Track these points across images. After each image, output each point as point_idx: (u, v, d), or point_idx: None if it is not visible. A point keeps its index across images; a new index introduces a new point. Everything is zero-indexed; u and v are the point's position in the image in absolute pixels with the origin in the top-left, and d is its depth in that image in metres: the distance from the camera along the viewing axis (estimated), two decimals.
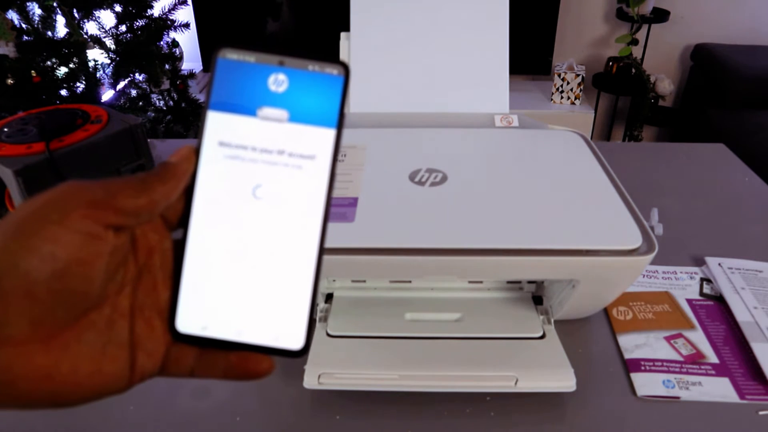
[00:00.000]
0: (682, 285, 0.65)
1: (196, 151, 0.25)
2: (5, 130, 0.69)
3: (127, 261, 0.24)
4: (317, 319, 0.55)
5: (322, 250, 0.25)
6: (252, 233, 0.25)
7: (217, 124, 0.25)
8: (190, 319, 0.25)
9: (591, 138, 1.56)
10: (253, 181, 0.25)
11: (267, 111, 0.25)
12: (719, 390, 0.52)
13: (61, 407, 0.22)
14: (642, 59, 2.21)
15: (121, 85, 1.59)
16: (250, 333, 0.25)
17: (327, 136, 0.25)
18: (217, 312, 0.25)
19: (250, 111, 0.25)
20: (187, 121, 1.78)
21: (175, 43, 1.79)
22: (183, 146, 0.26)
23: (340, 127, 0.25)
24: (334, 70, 0.25)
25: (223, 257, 0.25)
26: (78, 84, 1.46)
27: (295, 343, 0.25)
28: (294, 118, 0.25)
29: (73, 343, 0.22)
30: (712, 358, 0.55)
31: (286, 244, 0.25)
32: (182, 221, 0.26)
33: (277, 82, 0.25)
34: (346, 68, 0.25)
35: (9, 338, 0.21)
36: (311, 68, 0.25)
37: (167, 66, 1.64)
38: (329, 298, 0.58)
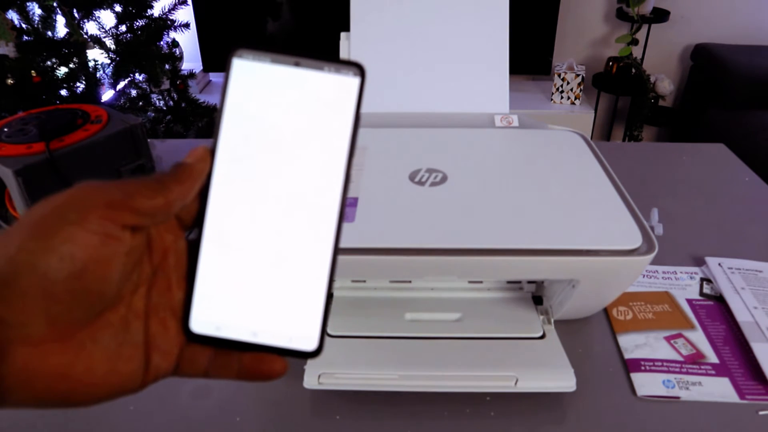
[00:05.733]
0: (682, 285, 0.65)
1: (211, 152, 0.25)
2: (5, 130, 0.69)
3: (142, 261, 0.24)
4: None
5: (337, 252, 0.25)
6: (266, 234, 0.25)
7: (231, 124, 0.25)
8: (204, 320, 0.25)
9: (591, 138, 1.56)
10: (267, 182, 0.25)
11: (282, 113, 0.25)
12: (719, 390, 0.52)
13: (76, 406, 0.22)
14: (642, 59, 2.21)
15: (121, 85, 1.59)
16: (264, 334, 0.25)
17: (342, 138, 0.25)
18: (232, 313, 0.25)
19: (264, 112, 0.25)
20: (187, 121, 1.78)
21: (175, 43, 1.79)
22: (198, 147, 0.26)
23: (355, 129, 0.25)
24: (349, 72, 0.25)
25: (238, 258, 0.25)
26: (78, 84, 1.45)
27: (309, 344, 0.25)
28: (309, 120, 0.25)
29: (89, 343, 0.22)
30: (712, 358, 0.55)
31: (300, 246, 0.25)
32: (197, 221, 0.26)
33: (293, 83, 0.25)
34: (362, 70, 0.25)
35: (27, 338, 0.21)
36: (327, 70, 0.25)
37: (167, 66, 1.64)
38: (329, 298, 0.58)
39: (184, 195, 0.24)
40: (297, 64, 0.25)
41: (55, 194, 0.22)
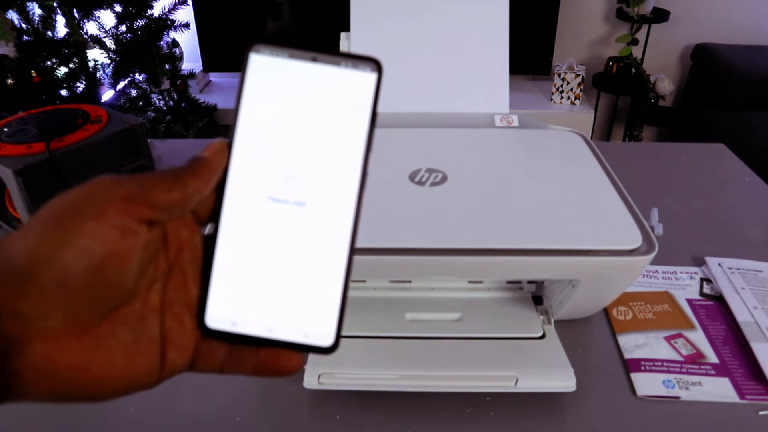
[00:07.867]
0: (682, 285, 0.65)
1: (228, 146, 0.25)
2: (5, 130, 0.69)
3: (158, 256, 0.24)
4: None
5: (354, 247, 0.25)
6: (283, 229, 0.25)
7: (248, 119, 0.25)
8: (219, 315, 0.25)
9: (591, 138, 1.56)
10: (284, 177, 0.25)
11: (299, 106, 0.25)
12: (719, 390, 0.52)
13: (93, 401, 0.22)
14: (642, 59, 2.21)
15: (121, 85, 1.59)
16: (280, 330, 0.25)
17: (359, 134, 0.25)
18: (247, 308, 0.25)
19: (281, 106, 0.25)
20: (187, 121, 1.78)
21: (175, 43, 1.79)
22: (215, 141, 0.26)
23: (372, 124, 0.25)
24: (367, 67, 0.25)
25: (254, 253, 0.25)
26: (78, 84, 1.46)
27: (326, 340, 0.25)
28: (326, 113, 0.25)
29: (106, 338, 0.22)
30: (712, 358, 0.55)
31: (317, 241, 0.25)
32: (213, 216, 0.25)
33: (310, 78, 0.25)
34: (379, 65, 0.25)
35: (45, 331, 0.21)
36: (344, 65, 0.25)
37: (167, 66, 1.64)
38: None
39: (201, 189, 0.24)
40: (314, 60, 0.25)
41: (73, 188, 0.22)
